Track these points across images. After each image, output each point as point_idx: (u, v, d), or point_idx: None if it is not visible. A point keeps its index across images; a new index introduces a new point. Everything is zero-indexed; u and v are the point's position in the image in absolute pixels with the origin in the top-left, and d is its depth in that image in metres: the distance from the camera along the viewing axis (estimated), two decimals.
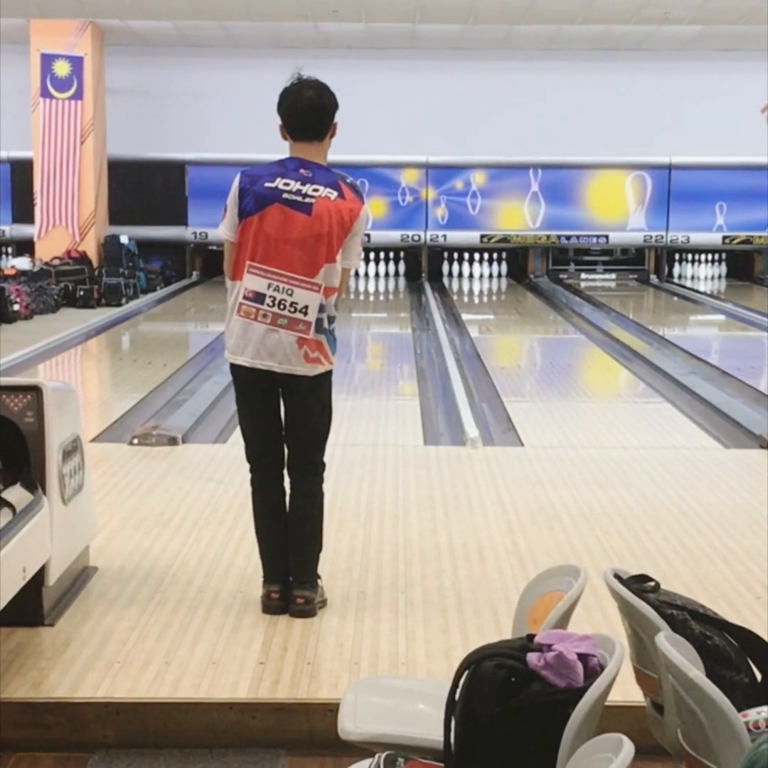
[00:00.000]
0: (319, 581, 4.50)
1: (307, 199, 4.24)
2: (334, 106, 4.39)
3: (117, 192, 17.96)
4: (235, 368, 4.49)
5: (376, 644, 4.12)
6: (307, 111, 4.32)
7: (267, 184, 4.25)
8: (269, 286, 4.26)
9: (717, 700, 2.25)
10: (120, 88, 17.97)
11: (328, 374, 4.57)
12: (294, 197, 4.24)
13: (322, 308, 4.33)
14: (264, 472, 4.56)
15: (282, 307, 4.26)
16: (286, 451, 4.56)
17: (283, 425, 4.54)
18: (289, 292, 4.26)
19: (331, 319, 4.42)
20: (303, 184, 4.26)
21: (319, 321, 4.35)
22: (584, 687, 2.38)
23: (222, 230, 4.37)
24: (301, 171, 4.28)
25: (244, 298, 4.29)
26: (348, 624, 4.31)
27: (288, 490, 4.58)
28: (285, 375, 4.39)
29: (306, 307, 4.28)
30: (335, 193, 4.27)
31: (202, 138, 18.30)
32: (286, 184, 4.25)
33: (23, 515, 3.95)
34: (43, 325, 13.56)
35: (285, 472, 4.58)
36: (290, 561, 4.47)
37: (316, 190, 4.25)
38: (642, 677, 2.80)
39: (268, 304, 4.27)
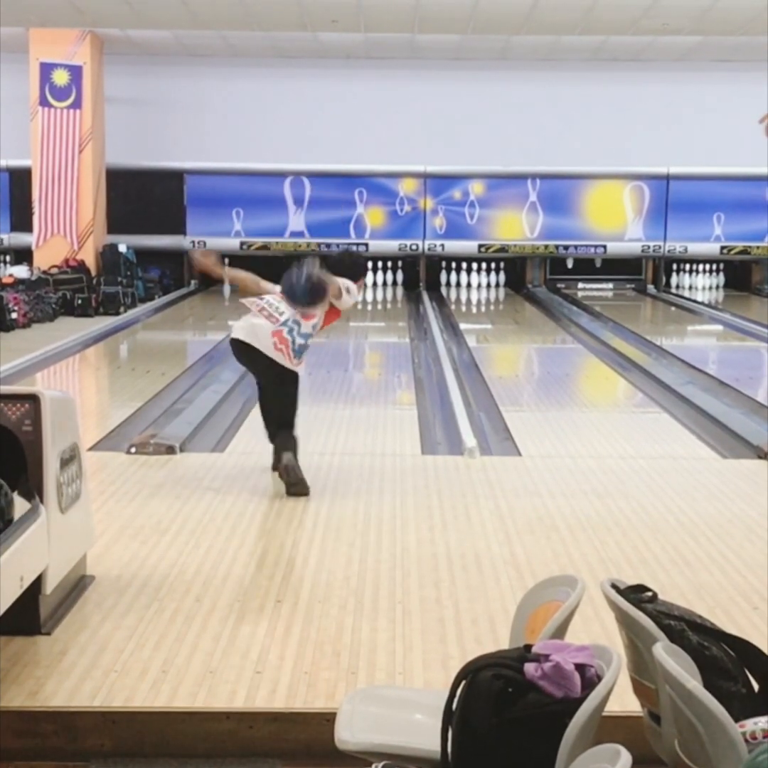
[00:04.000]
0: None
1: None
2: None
3: (115, 201, 17.97)
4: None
5: (373, 654, 4.12)
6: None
7: None
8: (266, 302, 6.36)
9: (714, 711, 2.25)
10: (119, 97, 18.00)
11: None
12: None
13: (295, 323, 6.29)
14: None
15: (270, 306, 6.32)
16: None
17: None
18: (279, 303, 6.30)
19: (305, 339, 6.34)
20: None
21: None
22: (581, 697, 2.38)
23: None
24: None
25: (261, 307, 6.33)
26: (345, 633, 4.30)
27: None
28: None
29: (283, 312, 6.29)
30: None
31: (200, 147, 18.33)
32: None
33: (21, 524, 3.95)
34: (41, 333, 13.57)
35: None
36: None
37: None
38: (639, 687, 2.80)
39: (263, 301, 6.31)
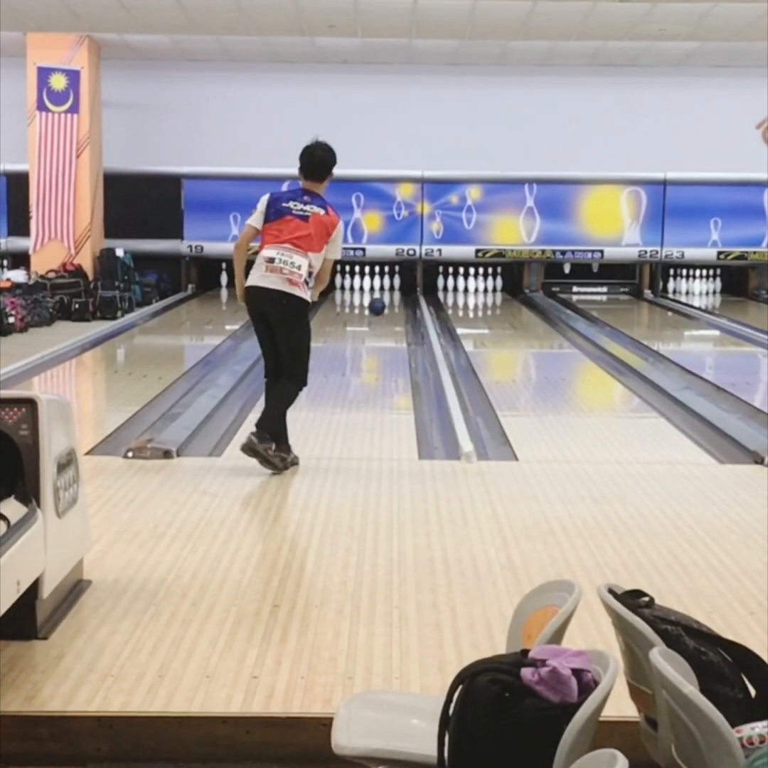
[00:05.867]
0: (271, 446, 6.86)
1: (306, 213, 6.89)
2: (333, 162, 7.06)
3: (113, 205, 17.97)
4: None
5: (369, 659, 4.12)
6: (316, 165, 7.02)
7: (283, 204, 6.91)
8: (278, 253, 6.81)
9: (711, 716, 2.25)
10: (116, 101, 18.00)
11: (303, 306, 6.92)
12: (298, 212, 6.89)
13: (309, 270, 6.86)
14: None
15: (284, 263, 6.79)
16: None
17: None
18: (290, 256, 6.79)
19: (310, 272, 6.92)
20: (304, 205, 6.92)
21: (305, 280, 6.87)
22: (578, 702, 2.38)
23: (251, 221, 6.93)
24: (305, 198, 6.96)
25: (263, 261, 6.84)
26: (342, 638, 4.30)
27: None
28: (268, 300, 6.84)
29: (299, 265, 6.81)
30: (323, 211, 6.94)
31: (198, 152, 18.32)
32: (295, 205, 6.91)
33: (17, 528, 3.95)
34: (38, 338, 13.56)
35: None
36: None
37: (312, 208, 6.91)
38: (636, 692, 2.80)
39: (276, 262, 6.79)
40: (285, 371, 6.98)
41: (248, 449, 6.81)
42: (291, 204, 6.89)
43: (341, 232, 7.00)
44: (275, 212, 6.88)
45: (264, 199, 6.97)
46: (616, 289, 19.79)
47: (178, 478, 6.78)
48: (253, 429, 6.91)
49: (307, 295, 6.87)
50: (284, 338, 6.93)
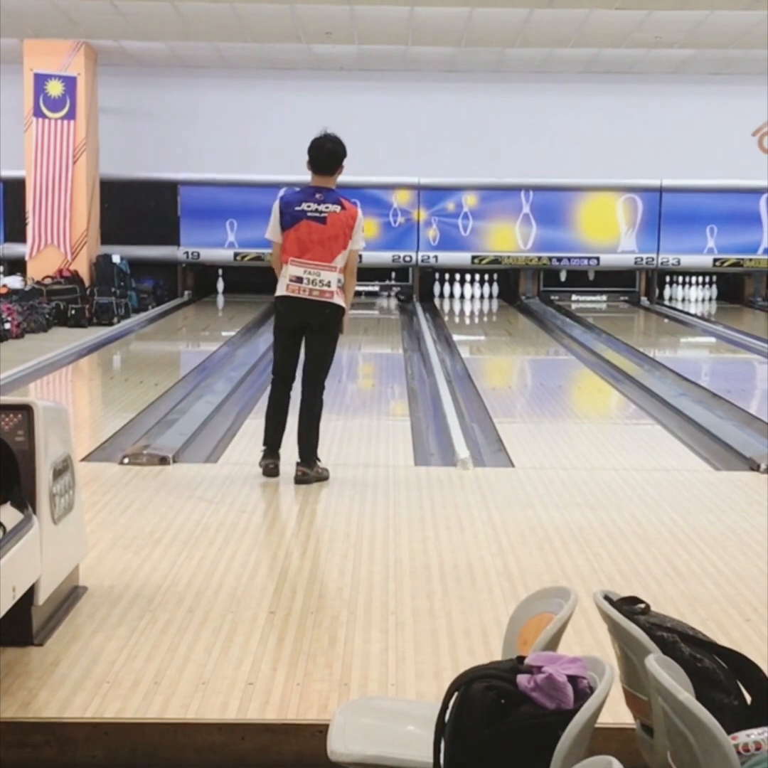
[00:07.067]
0: (318, 462, 6.85)
1: (322, 214, 6.62)
2: (343, 155, 6.71)
3: (109, 211, 17.97)
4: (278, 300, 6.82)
5: (365, 665, 4.12)
6: (326, 158, 6.68)
7: (296, 208, 6.66)
8: (305, 271, 6.62)
9: (706, 723, 2.25)
10: (113, 108, 18.00)
11: (341, 313, 6.80)
12: (314, 214, 6.62)
13: (339, 280, 6.70)
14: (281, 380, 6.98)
15: (314, 284, 6.62)
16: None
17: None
18: (318, 273, 6.62)
19: (340, 281, 6.74)
20: (318, 204, 6.63)
21: (338, 285, 6.71)
22: (574, 709, 2.38)
23: (270, 235, 6.77)
24: (317, 195, 6.67)
25: (291, 280, 6.66)
26: (337, 645, 4.30)
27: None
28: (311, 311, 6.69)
29: (329, 282, 6.63)
30: (339, 208, 6.67)
31: (194, 158, 18.33)
32: (308, 206, 6.64)
33: (13, 534, 3.94)
34: (35, 344, 13.55)
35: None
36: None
37: (327, 208, 6.64)
38: (632, 699, 2.80)
39: (305, 283, 6.63)
40: (310, 377, 6.93)
41: (303, 482, 6.74)
42: (304, 206, 6.63)
43: (362, 221, 6.77)
44: (290, 218, 6.66)
45: (276, 206, 6.76)
46: (616, 297, 19.79)
47: (174, 484, 6.77)
48: (298, 461, 6.82)
49: (342, 300, 6.75)
50: (319, 345, 6.84)
